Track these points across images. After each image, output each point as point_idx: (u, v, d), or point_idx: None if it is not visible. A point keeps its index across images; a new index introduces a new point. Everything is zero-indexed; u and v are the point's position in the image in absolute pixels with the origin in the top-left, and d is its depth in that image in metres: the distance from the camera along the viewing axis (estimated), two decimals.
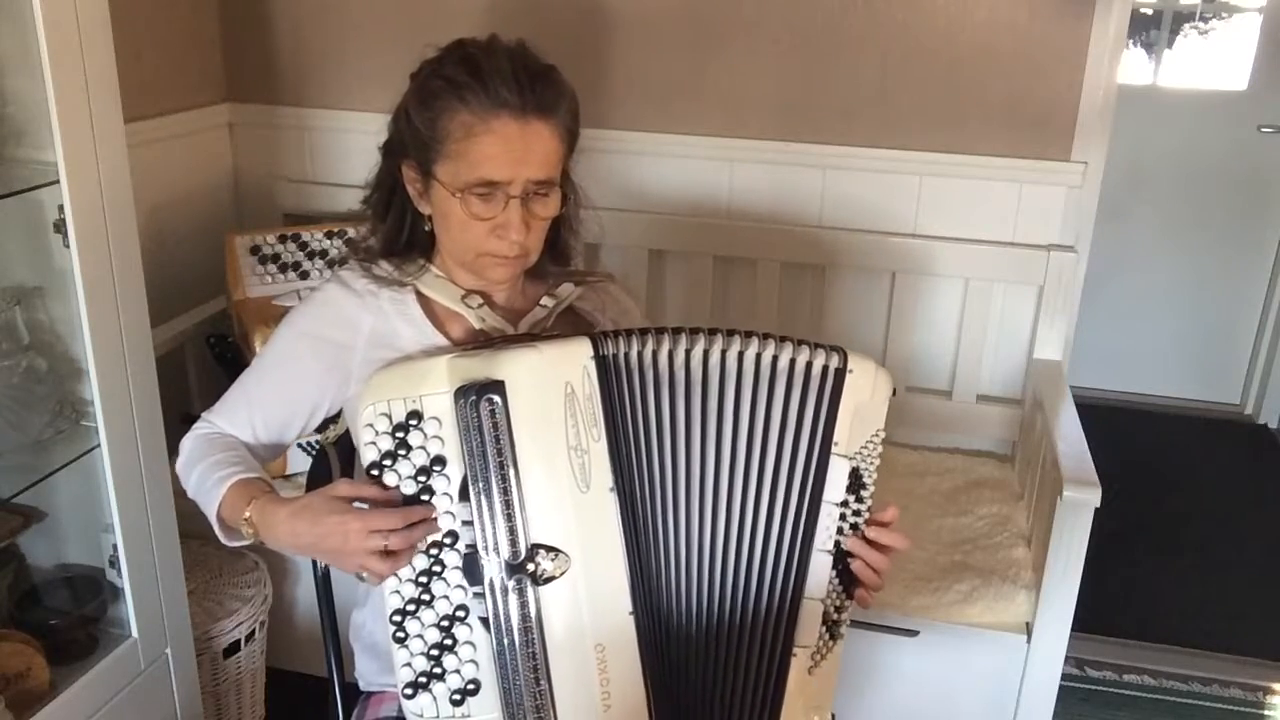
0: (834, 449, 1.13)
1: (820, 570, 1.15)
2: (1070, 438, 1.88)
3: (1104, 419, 3.42)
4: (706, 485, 1.11)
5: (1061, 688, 1.86)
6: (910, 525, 2.11)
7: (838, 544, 1.15)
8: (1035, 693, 1.86)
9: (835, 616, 1.17)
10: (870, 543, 1.16)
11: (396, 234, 1.29)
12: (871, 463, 1.16)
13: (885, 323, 2.36)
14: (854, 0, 2.20)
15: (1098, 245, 2.31)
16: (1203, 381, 3.89)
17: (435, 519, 1.07)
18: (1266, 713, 2.32)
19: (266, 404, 1.27)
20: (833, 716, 1.21)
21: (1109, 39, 2.11)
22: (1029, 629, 1.85)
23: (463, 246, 1.22)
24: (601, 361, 1.07)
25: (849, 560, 1.16)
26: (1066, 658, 1.84)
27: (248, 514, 1.15)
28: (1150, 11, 3.72)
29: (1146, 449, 3.55)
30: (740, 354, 1.11)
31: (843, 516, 1.15)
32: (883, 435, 1.16)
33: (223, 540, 1.22)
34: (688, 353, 1.10)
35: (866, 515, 1.17)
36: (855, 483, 1.15)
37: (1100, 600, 2.61)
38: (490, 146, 1.15)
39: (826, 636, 1.17)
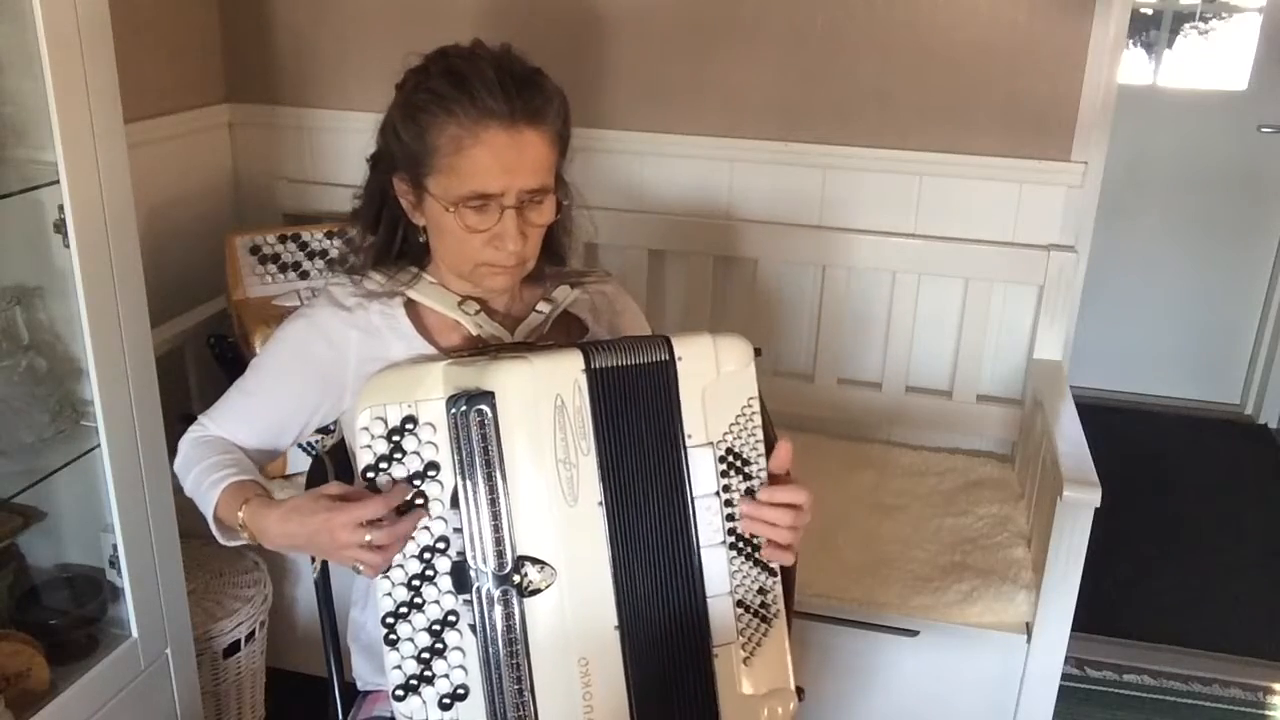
0: (689, 442, 1.10)
1: (717, 565, 1.12)
2: (1070, 438, 1.88)
3: (1104, 419, 3.42)
4: (641, 501, 1.10)
5: (1061, 688, 1.86)
6: (910, 525, 2.11)
7: (732, 530, 1.12)
8: (1035, 693, 1.86)
9: (760, 600, 1.15)
10: (750, 513, 1.13)
11: (387, 245, 1.29)
12: (750, 435, 1.12)
13: (885, 323, 2.36)
14: (854, 1, 2.20)
15: (1098, 245, 2.31)
16: (1203, 381, 3.89)
17: (422, 505, 1.08)
18: (1266, 713, 2.32)
19: (255, 417, 1.28)
20: (800, 690, 1.19)
21: (1109, 39, 2.11)
22: (1029, 629, 1.85)
23: (460, 258, 1.21)
24: (593, 375, 1.07)
25: (751, 535, 1.13)
26: (1066, 658, 1.84)
27: (241, 518, 1.16)
28: (1150, 11, 3.72)
29: (1146, 449, 3.55)
30: (650, 363, 1.09)
31: (728, 503, 1.12)
32: (757, 403, 1.12)
33: (221, 540, 1.23)
34: (644, 365, 1.09)
35: (760, 486, 1.13)
36: (732, 464, 1.12)
37: (1100, 600, 2.61)
38: (481, 158, 1.14)
39: (756, 622, 1.15)
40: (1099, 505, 1.71)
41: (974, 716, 1.92)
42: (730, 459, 1.12)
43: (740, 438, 1.12)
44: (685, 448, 1.10)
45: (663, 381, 1.09)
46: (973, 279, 2.27)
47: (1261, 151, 3.59)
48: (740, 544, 1.14)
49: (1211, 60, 3.72)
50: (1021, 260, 2.23)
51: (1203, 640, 2.54)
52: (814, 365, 2.40)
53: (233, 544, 1.23)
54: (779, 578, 1.16)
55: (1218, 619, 2.64)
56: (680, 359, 1.09)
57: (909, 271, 2.30)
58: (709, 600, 1.12)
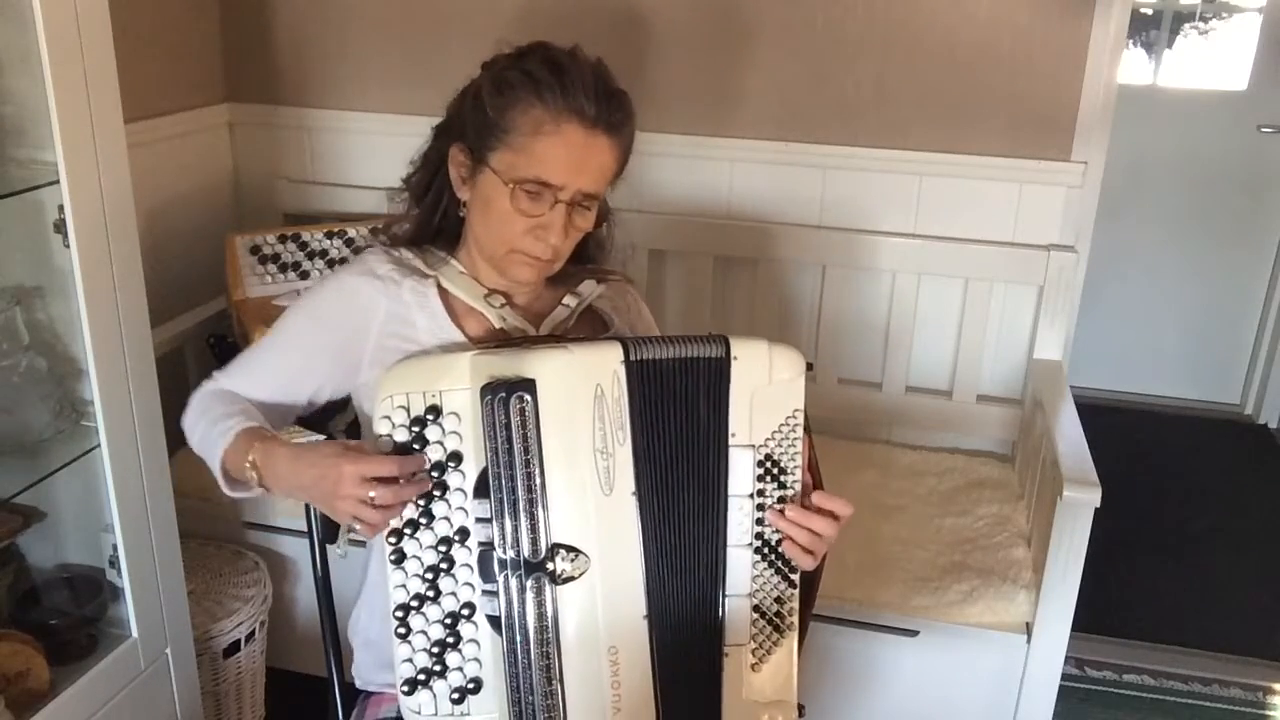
0: (732, 440, 1.11)
1: (740, 566, 1.13)
2: (1070, 438, 1.88)
3: (1104, 419, 3.42)
4: (675, 492, 1.11)
5: (1061, 688, 1.86)
6: (910, 525, 2.11)
7: (760, 535, 1.13)
8: (1035, 693, 1.86)
9: (776, 609, 1.16)
10: (797, 519, 1.13)
11: (430, 218, 1.31)
12: (791, 445, 1.13)
13: (885, 323, 2.36)
14: (854, 1, 2.20)
15: (1098, 245, 2.31)
16: (1203, 381, 3.89)
17: (426, 471, 1.08)
18: (1266, 713, 2.32)
19: (270, 376, 1.29)
20: (801, 708, 1.19)
21: (1109, 39, 2.11)
22: (1029, 629, 1.85)
23: (497, 239, 1.22)
24: (632, 366, 1.08)
25: (780, 544, 1.14)
26: (1066, 658, 1.84)
27: (251, 457, 1.16)
28: (1150, 11, 3.72)
29: (1146, 449, 3.55)
30: (690, 358, 1.10)
31: (760, 507, 1.13)
32: (801, 415, 1.14)
33: (226, 491, 1.23)
34: (677, 360, 1.10)
35: (792, 498, 1.15)
36: (770, 470, 1.13)
37: (1100, 600, 2.61)
38: (554, 149, 1.17)
39: (769, 630, 1.15)
40: (1099, 505, 1.71)
41: (974, 716, 1.92)
42: (769, 465, 1.13)
43: (781, 446, 1.13)
44: (728, 445, 1.11)
45: (715, 377, 1.10)
46: (973, 279, 2.27)
47: (1261, 151, 3.59)
48: (765, 550, 1.14)
49: (1211, 60, 3.72)
50: (1021, 260, 2.23)
51: (1203, 640, 2.54)
52: (814, 365, 2.40)
53: (238, 495, 1.22)
54: (798, 590, 1.17)
55: (1218, 619, 2.64)
56: (735, 358, 1.11)
57: (909, 271, 2.30)
58: (727, 599, 1.13)
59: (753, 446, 1.12)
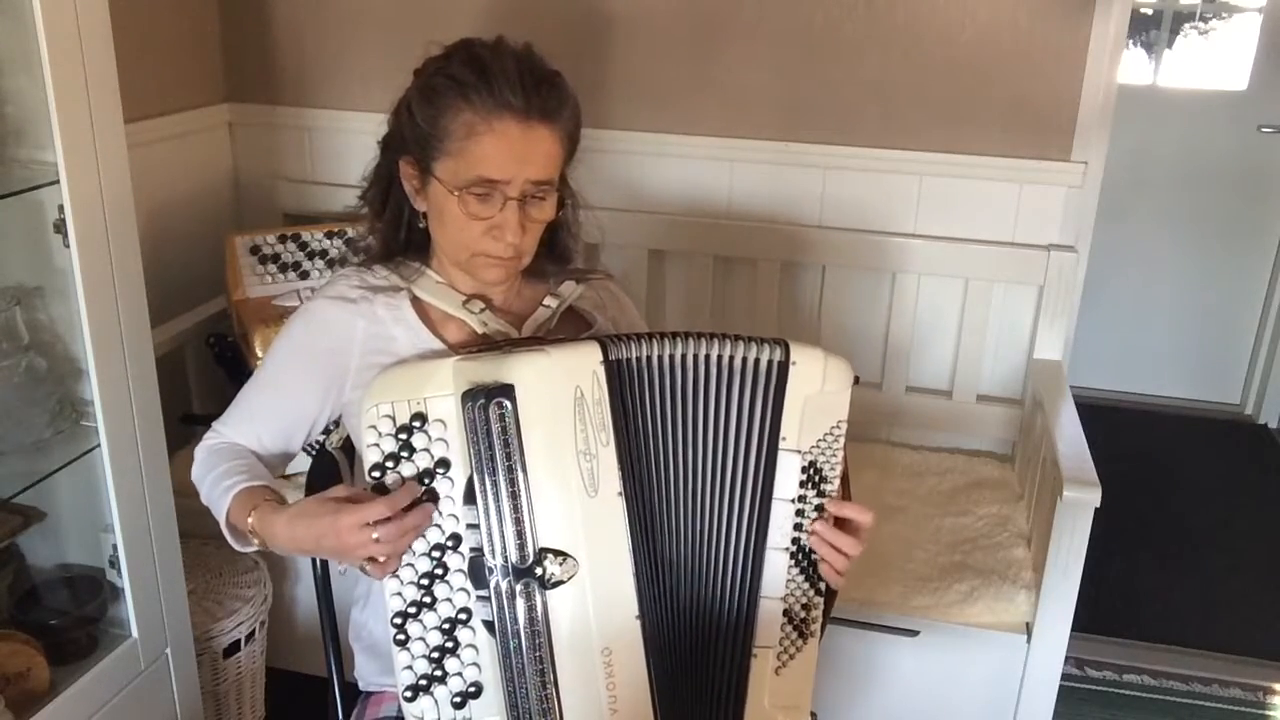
0: (782, 444, 1.12)
1: (777, 569, 1.13)
2: (1070, 438, 1.88)
3: (1104, 419, 3.43)
4: (690, 490, 1.11)
5: (1061, 688, 1.86)
6: (910, 525, 2.11)
7: (796, 540, 1.14)
8: (1035, 693, 1.86)
9: (802, 615, 1.16)
10: (826, 537, 1.14)
11: (394, 231, 1.30)
12: (833, 455, 1.14)
13: (885, 323, 2.36)
14: (854, 1, 2.20)
15: (1098, 245, 2.31)
16: (1203, 381, 3.89)
17: (425, 500, 1.07)
18: (1266, 713, 2.32)
19: (267, 419, 1.29)
20: (813, 716, 1.20)
21: (1109, 39, 2.11)
22: (1029, 629, 1.85)
23: (458, 245, 1.22)
24: (611, 366, 1.07)
25: (813, 552, 1.15)
26: (1066, 658, 1.84)
27: (250, 523, 1.17)
28: (1150, 11, 3.72)
29: (1146, 449, 3.55)
30: (715, 356, 1.10)
31: (800, 513, 1.14)
32: (844, 426, 1.15)
33: (235, 546, 1.24)
34: (684, 356, 1.10)
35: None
36: (812, 477, 1.14)
37: (1100, 600, 2.61)
38: (491, 147, 1.15)
39: (794, 635, 1.16)
40: (1099, 505, 1.71)
41: (974, 716, 1.92)
42: (811, 472, 1.14)
43: (824, 455, 1.14)
44: (778, 447, 1.12)
45: (770, 381, 1.11)
46: (973, 279, 2.27)
47: (1261, 151, 3.59)
48: (799, 555, 1.15)
49: (1211, 60, 3.72)
50: (1021, 260, 2.23)
51: (1203, 640, 2.54)
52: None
53: (246, 550, 1.24)
54: (824, 598, 1.17)
55: (1218, 619, 2.64)
56: (794, 363, 1.11)
57: (909, 271, 2.30)
58: (761, 600, 1.13)
59: (799, 452, 1.13)
